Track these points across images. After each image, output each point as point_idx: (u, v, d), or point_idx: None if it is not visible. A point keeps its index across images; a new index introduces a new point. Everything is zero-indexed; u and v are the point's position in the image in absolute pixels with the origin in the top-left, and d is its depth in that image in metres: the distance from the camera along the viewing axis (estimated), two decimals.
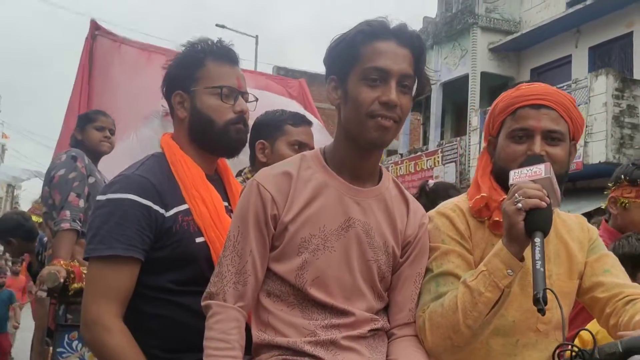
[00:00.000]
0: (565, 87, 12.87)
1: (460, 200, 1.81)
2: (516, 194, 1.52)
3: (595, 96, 11.75)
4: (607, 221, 2.81)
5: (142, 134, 3.99)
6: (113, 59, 4.64)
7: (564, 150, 1.71)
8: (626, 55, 13.22)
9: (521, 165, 1.64)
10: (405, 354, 1.62)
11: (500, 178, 1.73)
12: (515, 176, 1.59)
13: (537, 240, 1.46)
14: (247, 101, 1.96)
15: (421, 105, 18.92)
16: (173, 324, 1.75)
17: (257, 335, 1.61)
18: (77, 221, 3.21)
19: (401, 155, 17.54)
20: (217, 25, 23.70)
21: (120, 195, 1.73)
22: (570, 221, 1.84)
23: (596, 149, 11.58)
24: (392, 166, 17.14)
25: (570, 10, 13.66)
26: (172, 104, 1.92)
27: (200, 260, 1.76)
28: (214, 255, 1.76)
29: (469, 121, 15.41)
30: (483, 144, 1.89)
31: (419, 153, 16.75)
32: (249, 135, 2.01)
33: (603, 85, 11.56)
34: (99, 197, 1.79)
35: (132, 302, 1.75)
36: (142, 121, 4.07)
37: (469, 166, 14.79)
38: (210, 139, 1.89)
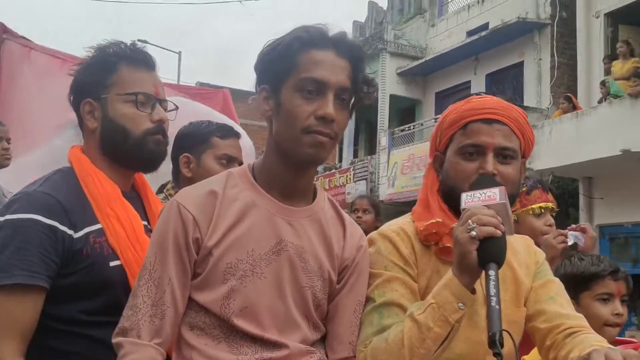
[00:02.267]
0: None
1: (405, 222, 1.63)
2: (469, 221, 1.37)
3: None
4: None
5: (54, 145, 3.63)
6: (22, 65, 4.32)
7: (515, 169, 1.57)
8: (517, 83, 13.96)
9: (472, 186, 1.51)
10: None
11: (449, 198, 1.59)
12: (468, 200, 1.44)
13: (492, 272, 1.32)
14: (166, 110, 1.75)
15: None
16: None
17: None
18: None
19: (317, 171, 18.20)
20: (138, 40, 23.57)
21: (21, 215, 1.51)
22: (517, 243, 1.71)
23: None
24: None
25: (470, 39, 14.33)
26: (81, 113, 1.71)
27: (115, 286, 1.55)
28: (132, 280, 1.54)
29: (379, 141, 15.80)
30: (428, 160, 1.73)
31: (333, 170, 17.05)
32: (169, 147, 1.84)
33: None
34: None
35: (37, 336, 1.52)
36: (55, 131, 3.74)
37: (378, 183, 15.21)
38: (125, 152, 1.68)
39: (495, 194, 1.42)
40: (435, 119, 15.03)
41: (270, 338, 1.42)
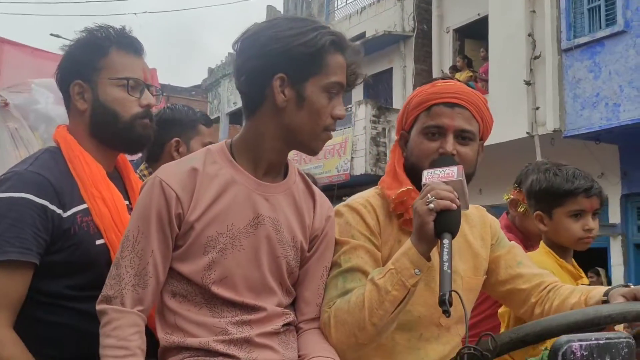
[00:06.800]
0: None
1: (371, 195, 1.70)
2: (428, 195, 1.45)
3: (358, 121, 13.67)
4: (507, 214, 2.68)
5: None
6: None
7: (473, 150, 1.66)
8: (388, 86, 15.42)
9: (432, 164, 1.58)
10: (316, 349, 1.53)
11: (411, 174, 1.66)
12: (428, 176, 1.53)
13: (446, 241, 1.41)
14: (152, 94, 1.76)
15: None
16: (71, 331, 1.54)
17: (165, 338, 1.44)
18: None
19: None
20: (51, 34, 22.46)
21: (13, 194, 1.50)
22: (473, 215, 1.77)
23: (358, 163, 13.48)
24: None
25: None
26: (70, 94, 1.68)
27: (100, 263, 1.56)
28: (115, 257, 1.52)
29: None
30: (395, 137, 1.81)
31: None
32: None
33: (363, 112, 13.60)
34: None
35: (25, 309, 1.51)
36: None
37: None
38: (113, 134, 1.68)
39: (453, 172, 1.53)
40: None
41: (249, 302, 1.48)
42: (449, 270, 1.38)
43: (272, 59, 1.46)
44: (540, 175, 2.25)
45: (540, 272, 1.76)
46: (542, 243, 2.29)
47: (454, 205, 1.46)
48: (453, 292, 1.35)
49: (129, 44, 1.72)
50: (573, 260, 2.28)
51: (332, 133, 1.57)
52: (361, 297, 1.51)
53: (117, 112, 1.67)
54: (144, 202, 1.46)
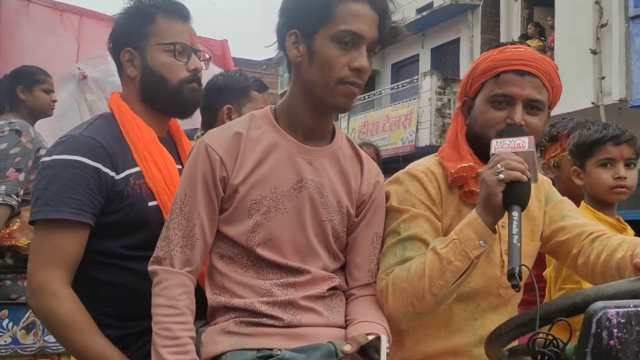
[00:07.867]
0: (408, 82, 14.82)
1: (432, 163, 1.64)
2: (498, 165, 1.39)
3: (423, 92, 13.62)
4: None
5: (58, 98, 3.78)
6: (21, 18, 4.25)
7: (542, 120, 1.57)
8: (455, 57, 15.22)
9: (500, 134, 1.51)
10: (365, 313, 1.51)
11: (475, 143, 1.58)
12: (498, 146, 1.46)
13: (515, 214, 1.35)
14: (200, 59, 1.76)
15: None
16: (126, 290, 1.57)
17: (213, 298, 1.46)
18: (13, 195, 2.99)
19: None
20: None
21: (67, 156, 1.53)
22: None
23: (423, 135, 13.43)
24: None
25: (418, 16, 15.42)
26: (121, 61, 1.71)
27: (153, 224, 1.58)
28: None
29: None
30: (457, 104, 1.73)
31: None
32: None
33: (429, 83, 13.56)
34: (44, 159, 1.58)
35: (82, 268, 1.55)
36: (57, 85, 3.86)
37: None
38: (163, 99, 1.69)
39: (524, 142, 1.46)
40: (392, 87, 15.82)
41: (293, 265, 1.47)
42: (518, 244, 1.33)
43: (287, 16, 1.46)
44: (574, 133, 2.30)
45: (585, 222, 1.66)
46: (582, 202, 2.26)
47: (525, 177, 1.40)
48: (523, 267, 1.30)
49: (175, 10, 1.72)
50: (619, 217, 2.25)
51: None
52: (422, 265, 1.47)
53: (165, 77, 1.68)
54: (190, 166, 1.47)
